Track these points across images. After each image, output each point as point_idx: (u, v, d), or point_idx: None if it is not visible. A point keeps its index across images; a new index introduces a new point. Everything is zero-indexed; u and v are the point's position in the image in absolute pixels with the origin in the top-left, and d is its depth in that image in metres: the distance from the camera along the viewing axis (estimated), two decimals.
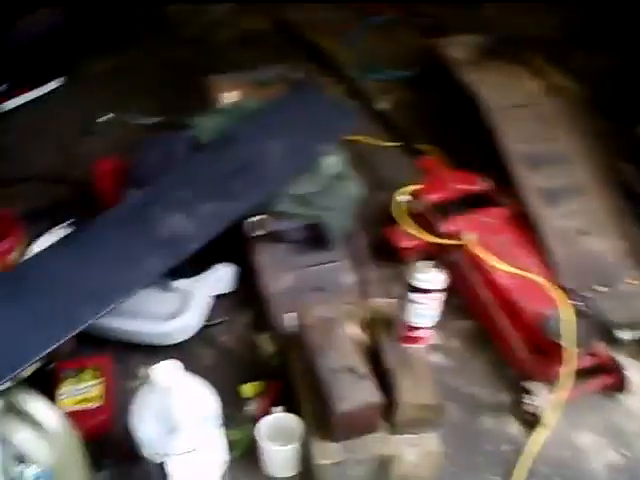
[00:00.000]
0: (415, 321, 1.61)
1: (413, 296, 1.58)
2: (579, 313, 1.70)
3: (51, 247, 1.61)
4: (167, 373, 1.39)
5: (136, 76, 2.90)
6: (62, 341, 1.37)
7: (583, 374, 1.68)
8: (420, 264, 1.60)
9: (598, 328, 1.73)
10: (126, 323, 1.78)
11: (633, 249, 1.99)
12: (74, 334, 1.41)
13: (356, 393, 1.44)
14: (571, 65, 2.54)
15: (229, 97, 2.35)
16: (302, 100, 2.12)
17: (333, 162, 1.96)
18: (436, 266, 1.57)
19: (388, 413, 1.47)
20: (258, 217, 1.83)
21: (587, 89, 2.45)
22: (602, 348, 1.74)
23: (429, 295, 1.57)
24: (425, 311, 1.60)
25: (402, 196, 2.09)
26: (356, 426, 1.45)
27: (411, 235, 2.00)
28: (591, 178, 2.17)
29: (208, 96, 2.42)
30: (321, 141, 1.95)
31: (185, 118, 2.13)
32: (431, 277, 1.56)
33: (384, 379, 1.50)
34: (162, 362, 1.42)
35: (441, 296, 1.57)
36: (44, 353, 1.36)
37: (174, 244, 1.60)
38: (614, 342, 1.77)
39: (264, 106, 2.10)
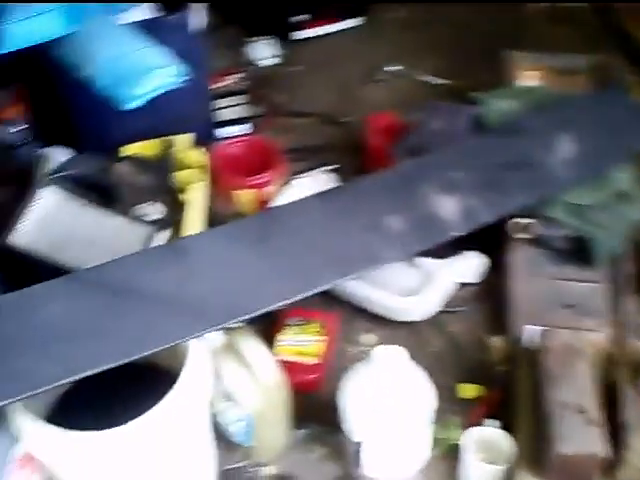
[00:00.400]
0: None
1: None
2: None
3: (311, 198, 1.58)
4: (390, 358, 1.37)
5: (431, 32, 2.80)
6: (297, 299, 1.36)
7: None
8: None
9: None
10: (362, 288, 1.77)
11: None
12: (311, 294, 1.39)
13: (582, 438, 1.33)
14: None
15: (526, 78, 2.21)
16: (606, 102, 1.93)
17: (621, 178, 1.78)
18: None
19: (611, 468, 1.35)
20: (526, 220, 1.73)
21: None
22: None
23: None
24: None
25: None
26: (572, 473, 1.34)
27: None
28: None
29: (502, 72, 2.28)
30: (615, 153, 1.78)
31: (474, 91, 2.05)
32: None
33: (616, 430, 1.37)
34: (388, 346, 1.40)
35: None
36: (277, 306, 1.36)
37: (434, 226, 1.53)
38: None
39: (562, 98, 1.95)
